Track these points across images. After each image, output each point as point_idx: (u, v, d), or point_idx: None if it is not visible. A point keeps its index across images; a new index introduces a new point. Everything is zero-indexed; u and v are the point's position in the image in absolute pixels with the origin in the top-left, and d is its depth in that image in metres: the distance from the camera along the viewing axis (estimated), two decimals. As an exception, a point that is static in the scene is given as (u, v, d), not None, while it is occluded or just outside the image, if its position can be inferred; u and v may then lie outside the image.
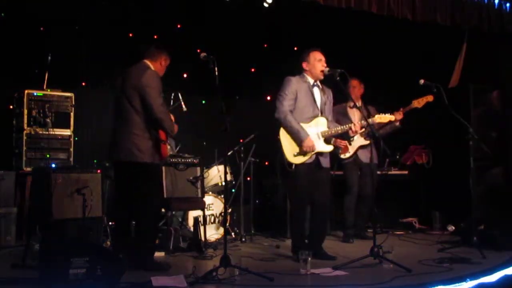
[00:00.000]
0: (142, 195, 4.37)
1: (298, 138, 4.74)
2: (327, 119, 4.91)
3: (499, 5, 6.72)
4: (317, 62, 4.85)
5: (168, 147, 4.61)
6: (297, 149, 4.76)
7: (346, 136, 5.04)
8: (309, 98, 4.86)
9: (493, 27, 6.68)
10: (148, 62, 4.48)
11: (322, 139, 4.83)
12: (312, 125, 4.83)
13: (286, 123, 4.78)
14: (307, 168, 4.77)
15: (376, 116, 5.04)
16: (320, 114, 4.88)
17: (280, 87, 4.89)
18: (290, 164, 4.74)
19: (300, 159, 4.76)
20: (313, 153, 4.77)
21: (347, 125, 4.88)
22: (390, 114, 5.12)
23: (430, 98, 5.52)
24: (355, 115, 6.13)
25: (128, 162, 4.32)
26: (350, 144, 6.10)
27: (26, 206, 5.52)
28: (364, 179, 6.17)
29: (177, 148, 6.06)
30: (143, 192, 4.36)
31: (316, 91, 4.92)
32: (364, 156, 6.15)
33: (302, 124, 4.77)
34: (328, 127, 4.87)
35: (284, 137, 4.80)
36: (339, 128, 4.86)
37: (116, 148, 4.38)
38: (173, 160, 5.46)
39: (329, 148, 4.89)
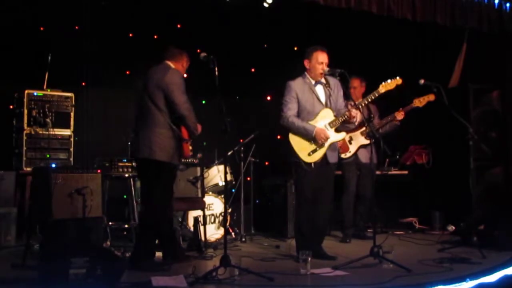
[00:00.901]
0: (152, 193, 4.40)
1: (307, 134, 4.74)
2: (331, 109, 4.87)
3: (499, 5, 6.71)
4: (318, 65, 4.82)
5: (190, 147, 4.64)
6: (309, 148, 4.77)
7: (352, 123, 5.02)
8: (312, 97, 4.86)
9: (493, 27, 6.67)
10: (170, 63, 4.56)
11: (332, 130, 4.82)
12: (319, 119, 4.82)
13: (290, 125, 4.80)
14: (315, 167, 4.78)
15: (381, 86, 4.91)
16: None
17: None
18: (309, 164, 4.75)
19: (315, 157, 4.76)
20: (327, 145, 4.77)
21: (344, 113, 4.81)
22: (393, 80, 4.93)
23: (431, 97, 5.51)
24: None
25: (147, 159, 4.36)
26: (350, 144, 6.10)
27: (26, 206, 5.52)
28: (364, 179, 6.17)
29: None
30: (154, 190, 4.39)
31: (319, 88, 4.92)
32: (364, 156, 6.15)
33: (310, 122, 4.78)
34: (335, 116, 4.85)
35: (294, 141, 4.81)
36: (341, 118, 4.81)
37: (138, 146, 4.42)
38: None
39: (340, 136, 4.89)
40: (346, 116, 4.78)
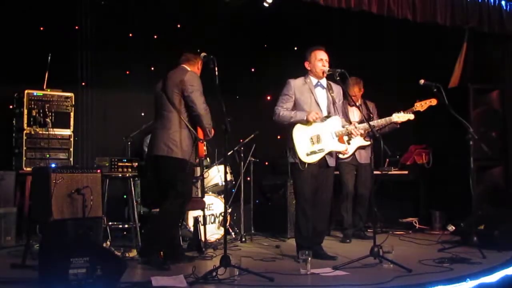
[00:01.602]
0: (173, 190, 4.48)
1: (299, 119, 4.74)
2: (341, 119, 4.92)
3: (499, 5, 6.72)
4: (317, 62, 4.84)
5: (204, 147, 4.74)
6: (309, 149, 4.77)
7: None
8: (310, 100, 4.85)
9: (493, 27, 6.67)
10: (186, 66, 4.71)
11: (336, 139, 4.83)
12: (327, 125, 4.82)
13: (282, 118, 4.83)
14: (314, 167, 4.79)
15: (394, 115, 5.07)
16: (329, 114, 4.87)
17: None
18: (304, 163, 4.75)
19: (312, 159, 4.76)
20: (327, 151, 4.78)
21: (348, 128, 4.85)
22: (407, 112, 5.15)
23: (433, 102, 5.50)
24: (354, 113, 6.13)
25: (165, 157, 4.48)
26: (349, 144, 6.08)
27: (26, 206, 5.52)
28: (363, 180, 6.16)
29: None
30: (176, 188, 4.48)
31: (320, 91, 4.91)
32: (362, 157, 6.13)
33: (314, 124, 4.77)
34: (342, 126, 4.87)
35: (297, 137, 4.80)
36: (347, 131, 4.85)
37: (155, 144, 4.56)
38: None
39: (342, 147, 4.90)
40: (350, 132, 4.83)
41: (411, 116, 5.13)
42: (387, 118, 5.10)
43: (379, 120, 5.23)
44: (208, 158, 6.03)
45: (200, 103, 4.50)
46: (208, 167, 6.12)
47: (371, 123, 5.02)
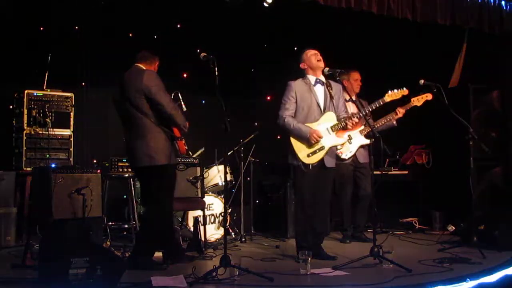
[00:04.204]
0: (157, 196, 4.39)
1: (302, 135, 4.74)
2: (335, 113, 4.89)
3: (499, 5, 6.71)
4: (311, 56, 4.88)
5: (183, 142, 4.63)
6: (309, 150, 4.77)
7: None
8: (310, 98, 4.86)
9: (493, 27, 6.67)
10: (142, 66, 4.50)
11: (333, 133, 4.82)
12: (321, 122, 4.82)
13: (286, 126, 4.82)
14: (314, 169, 4.79)
15: (386, 95, 5.04)
16: (324, 111, 4.87)
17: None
18: (307, 165, 4.75)
19: (313, 159, 4.76)
20: (327, 148, 4.77)
21: (344, 120, 4.84)
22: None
23: (429, 96, 5.51)
24: (351, 108, 6.12)
25: (148, 167, 4.32)
26: (350, 143, 6.08)
27: (26, 206, 5.52)
28: (363, 180, 6.15)
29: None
30: (159, 194, 4.39)
31: (319, 89, 4.91)
32: (362, 156, 6.13)
33: (310, 124, 4.78)
34: (338, 121, 4.86)
35: (295, 141, 4.80)
36: (342, 123, 4.83)
37: (135, 156, 4.38)
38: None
39: (342, 140, 4.90)
40: (345, 123, 4.79)
41: (405, 92, 5.07)
42: (380, 100, 5.07)
43: (373, 104, 5.18)
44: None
45: (167, 102, 4.31)
46: (208, 167, 6.13)
47: (366, 108, 5.02)
